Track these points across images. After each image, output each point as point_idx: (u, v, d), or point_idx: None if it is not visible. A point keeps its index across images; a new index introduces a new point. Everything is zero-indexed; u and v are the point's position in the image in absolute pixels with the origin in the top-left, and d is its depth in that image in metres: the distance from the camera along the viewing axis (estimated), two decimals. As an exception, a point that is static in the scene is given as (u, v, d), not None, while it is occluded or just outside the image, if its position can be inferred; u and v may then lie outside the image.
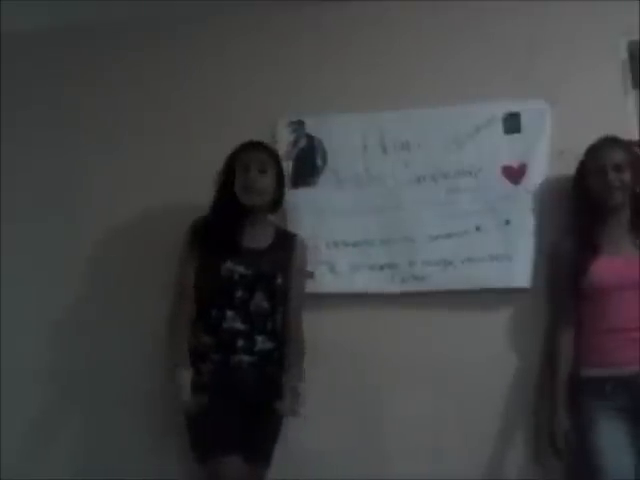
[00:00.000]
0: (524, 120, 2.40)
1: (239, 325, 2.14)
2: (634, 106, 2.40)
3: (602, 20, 2.40)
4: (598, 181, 2.14)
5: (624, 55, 2.42)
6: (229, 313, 2.14)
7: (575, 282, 2.13)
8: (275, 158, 2.28)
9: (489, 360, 2.35)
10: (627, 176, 2.12)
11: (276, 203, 2.30)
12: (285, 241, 2.30)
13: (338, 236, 2.46)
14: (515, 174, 2.38)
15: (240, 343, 2.13)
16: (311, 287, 2.43)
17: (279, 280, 2.21)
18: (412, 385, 2.37)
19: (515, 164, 2.39)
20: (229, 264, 2.15)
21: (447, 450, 2.33)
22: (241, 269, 2.16)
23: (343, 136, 2.50)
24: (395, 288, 2.41)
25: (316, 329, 2.42)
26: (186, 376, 2.10)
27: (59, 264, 2.61)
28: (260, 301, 2.17)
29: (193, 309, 2.20)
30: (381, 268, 2.43)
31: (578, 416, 2.09)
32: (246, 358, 2.13)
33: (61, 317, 2.58)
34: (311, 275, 2.40)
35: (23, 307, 2.60)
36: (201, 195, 2.28)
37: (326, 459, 2.35)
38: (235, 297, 2.15)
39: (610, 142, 2.17)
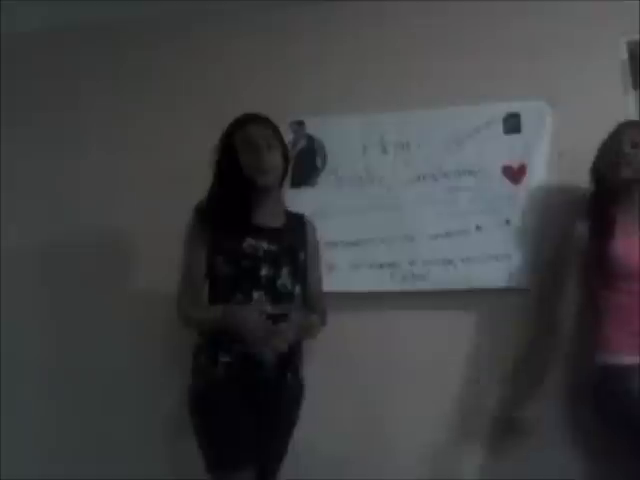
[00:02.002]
0: (524, 120, 2.40)
1: (269, 308, 1.92)
2: (634, 106, 2.40)
3: (602, 20, 2.40)
4: (611, 156, 2.09)
5: (624, 55, 2.41)
6: (256, 294, 1.93)
7: (596, 266, 2.06)
8: (277, 130, 2.10)
9: (488, 359, 2.35)
10: None
11: (283, 176, 2.14)
12: (296, 220, 2.17)
13: (338, 236, 2.46)
14: (515, 174, 2.39)
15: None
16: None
17: (302, 256, 2.07)
18: (412, 384, 2.37)
19: (515, 164, 2.39)
20: (250, 240, 1.96)
21: (446, 450, 2.34)
22: (264, 244, 1.97)
23: (343, 136, 2.51)
24: (395, 287, 2.41)
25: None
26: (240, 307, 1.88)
27: (59, 263, 2.62)
28: (286, 278, 1.99)
29: (204, 296, 2.01)
30: (381, 267, 2.43)
31: (604, 403, 2.03)
32: (268, 356, 1.91)
33: (62, 317, 2.59)
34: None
35: (24, 307, 2.61)
36: (202, 195, 2.28)
37: (326, 459, 2.36)
38: (261, 275, 1.95)
39: (631, 122, 2.14)
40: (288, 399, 2.02)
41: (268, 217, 2.05)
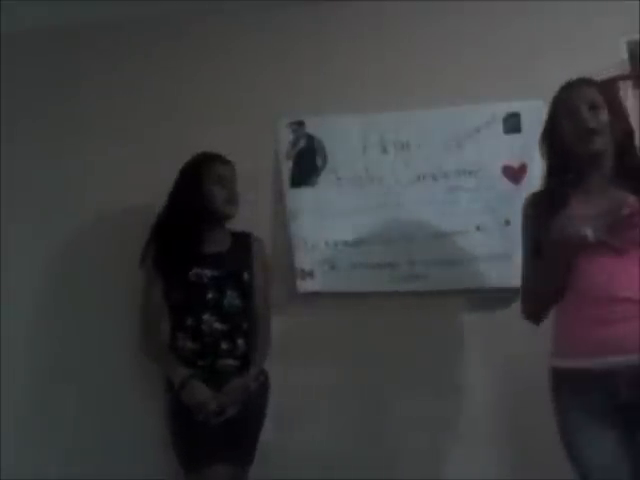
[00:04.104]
0: (524, 120, 2.40)
1: (218, 325, 2.17)
2: (634, 106, 2.39)
3: (602, 20, 2.40)
4: (572, 125, 1.79)
5: (624, 55, 2.41)
6: (205, 316, 2.17)
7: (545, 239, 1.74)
8: (235, 171, 2.35)
9: (488, 360, 2.35)
10: (604, 116, 1.77)
11: None
12: (242, 240, 2.34)
13: (338, 235, 2.46)
14: (515, 174, 2.39)
15: (224, 346, 2.16)
16: (311, 286, 2.45)
17: (246, 276, 2.26)
18: (412, 385, 2.37)
19: (515, 164, 2.39)
20: (196, 270, 2.19)
21: (447, 450, 2.34)
22: (208, 272, 2.20)
23: (343, 136, 2.51)
24: (395, 287, 2.41)
25: (316, 328, 2.44)
26: (199, 385, 2.11)
27: (59, 263, 2.62)
28: (232, 298, 2.20)
29: (167, 325, 2.25)
30: (381, 267, 2.43)
31: (559, 415, 1.74)
32: (231, 362, 2.16)
33: (63, 317, 2.59)
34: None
35: (24, 307, 2.61)
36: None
37: (326, 459, 2.36)
38: (207, 299, 2.18)
39: (581, 80, 1.86)
40: (250, 401, 2.17)
41: (214, 243, 2.27)
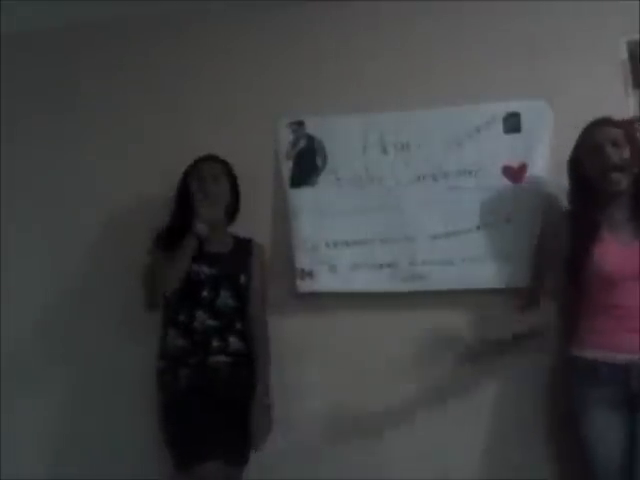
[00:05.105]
0: (524, 120, 2.40)
1: (211, 322, 2.19)
2: (634, 106, 2.40)
3: (602, 20, 2.40)
4: (596, 162, 2.01)
5: (624, 55, 2.41)
6: (198, 313, 2.19)
7: (576, 264, 2.02)
8: (228, 169, 2.34)
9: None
10: (627, 152, 1.99)
11: (233, 213, 2.38)
12: (243, 245, 2.36)
13: (338, 236, 2.46)
14: (515, 174, 2.39)
15: (215, 343, 2.18)
16: (311, 287, 2.44)
17: (242, 279, 2.27)
18: (412, 384, 2.37)
19: (515, 164, 2.39)
20: (194, 266, 2.20)
21: (448, 451, 2.33)
22: (206, 269, 2.21)
23: (343, 136, 2.51)
24: (395, 287, 2.41)
25: (316, 328, 2.44)
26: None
27: (59, 263, 2.62)
28: (226, 299, 2.22)
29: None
30: (381, 267, 2.43)
31: (572, 400, 2.05)
32: (222, 358, 2.18)
33: (64, 316, 2.59)
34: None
35: (25, 307, 2.61)
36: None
37: (325, 459, 2.35)
38: (201, 297, 2.20)
39: (605, 120, 2.06)
40: (245, 388, 2.20)
41: (216, 244, 2.27)
